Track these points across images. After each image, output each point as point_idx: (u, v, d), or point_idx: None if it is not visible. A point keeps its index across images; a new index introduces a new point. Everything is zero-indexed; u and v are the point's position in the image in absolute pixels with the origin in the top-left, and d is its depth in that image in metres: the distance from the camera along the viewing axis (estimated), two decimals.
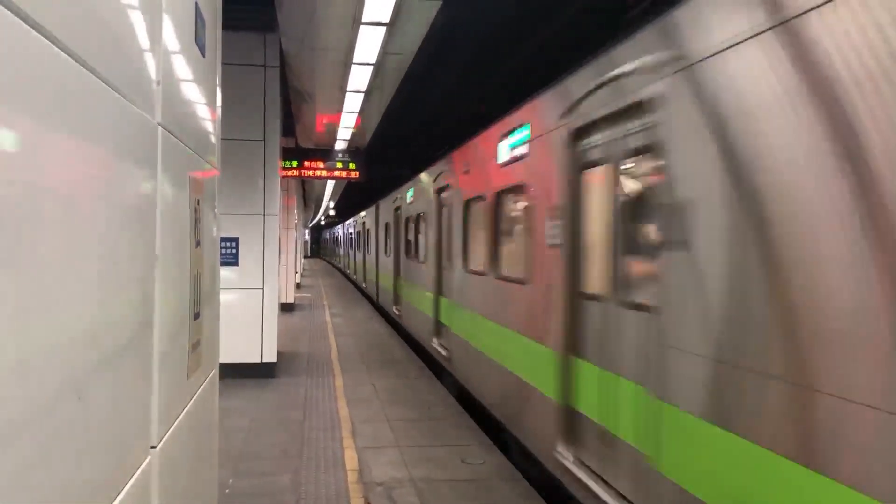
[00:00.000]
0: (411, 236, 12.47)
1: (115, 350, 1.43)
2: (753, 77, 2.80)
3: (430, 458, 5.96)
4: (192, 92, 2.26)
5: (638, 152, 3.94)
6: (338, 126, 13.08)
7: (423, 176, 11.03)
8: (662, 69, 3.53)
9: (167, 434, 1.86)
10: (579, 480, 4.43)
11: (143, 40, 1.63)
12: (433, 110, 15.86)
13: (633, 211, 4.04)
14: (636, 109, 3.86)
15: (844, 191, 2.35)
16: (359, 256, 24.95)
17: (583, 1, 8.81)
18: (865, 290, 2.28)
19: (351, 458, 5.90)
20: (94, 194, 1.29)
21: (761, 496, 2.72)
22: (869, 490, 2.26)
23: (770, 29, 2.71)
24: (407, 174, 13.33)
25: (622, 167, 4.18)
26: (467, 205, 7.96)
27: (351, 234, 29.30)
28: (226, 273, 8.47)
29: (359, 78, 9.32)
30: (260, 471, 5.57)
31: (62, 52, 1.11)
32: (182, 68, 2.10)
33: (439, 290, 9.82)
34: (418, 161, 14.10)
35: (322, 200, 38.03)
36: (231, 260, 8.76)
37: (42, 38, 1.03)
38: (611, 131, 4.27)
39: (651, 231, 3.73)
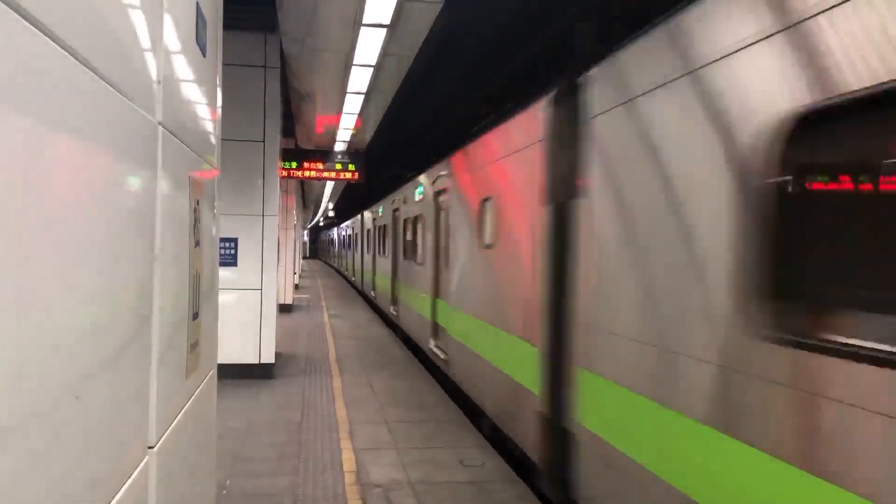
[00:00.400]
0: (381, 239, 17.29)
1: (114, 350, 1.43)
2: (444, 198, 9.01)
3: (429, 460, 5.95)
4: (192, 91, 2.26)
5: (447, 209, 8.88)
6: (337, 127, 13.08)
7: (387, 199, 16.18)
8: (448, 177, 8.69)
9: (165, 434, 1.85)
10: (435, 353, 9.55)
11: (144, 39, 1.63)
12: (433, 113, 15.86)
13: (448, 231, 8.73)
14: (444, 191, 9.05)
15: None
16: (348, 254, 31.55)
17: (583, 5, 8.82)
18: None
19: (349, 460, 5.89)
20: (93, 193, 1.28)
21: (461, 327, 7.85)
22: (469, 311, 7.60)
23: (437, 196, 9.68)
24: (390, 186, 17.30)
25: (446, 213, 8.96)
26: (405, 222, 13.06)
27: (343, 236, 36.76)
28: (224, 273, 8.46)
29: (359, 79, 9.32)
30: (257, 472, 5.55)
31: (63, 51, 1.10)
32: (182, 68, 2.09)
33: (395, 276, 14.61)
34: (415, 165, 14.24)
35: (321, 201, 38.03)
36: (230, 260, 8.75)
37: (43, 36, 1.03)
38: (442, 198, 9.33)
39: (450, 240, 8.64)
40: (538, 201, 5.18)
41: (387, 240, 15.89)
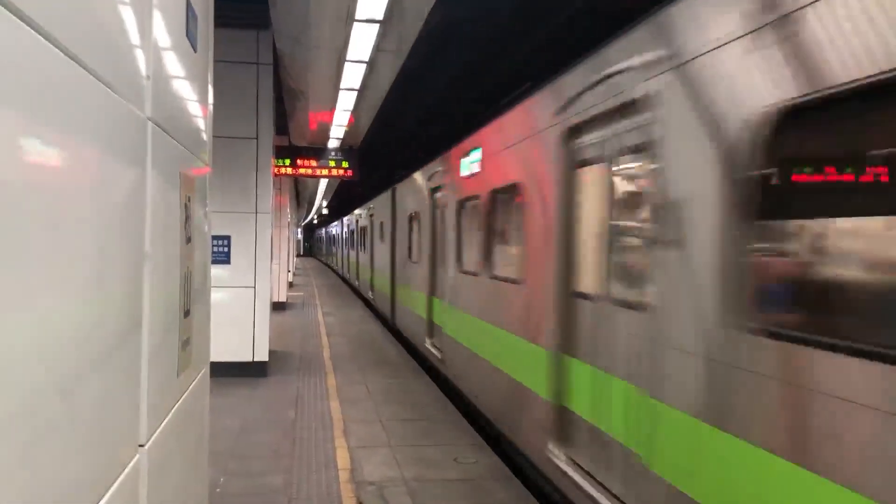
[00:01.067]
0: (355, 238, 25.35)
1: (104, 347, 1.41)
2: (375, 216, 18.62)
3: (423, 458, 5.95)
4: (183, 87, 2.24)
5: (373, 223, 19.07)
6: (331, 124, 13.05)
7: (358, 211, 24.42)
8: (373, 208, 18.84)
9: (156, 432, 1.84)
10: (371, 301, 19.32)
11: (133, 33, 1.61)
12: (426, 109, 15.84)
13: (374, 234, 18.56)
14: (372, 215, 18.90)
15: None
16: (333, 249, 43.69)
17: (579, 2, 8.80)
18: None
19: (343, 458, 5.88)
20: (81, 189, 1.27)
21: (386, 287, 15.68)
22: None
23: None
24: (369, 196, 23.79)
25: (373, 226, 18.72)
26: (360, 229, 22.79)
27: (331, 235, 48.06)
28: (217, 271, 8.43)
29: (352, 75, 9.29)
30: (251, 470, 5.54)
31: (49, 44, 1.09)
32: (173, 63, 2.08)
33: (366, 264, 21.20)
34: (410, 161, 14.33)
35: (315, 199, 37.94)
36: (223, 258, 8.72)
37: (29, 29, 1.01)
38: (371, 217, 19.18)
39: (375, 239, 18.58)
40: (390, 224, 14.41)
41: (354, 239, 25.46)
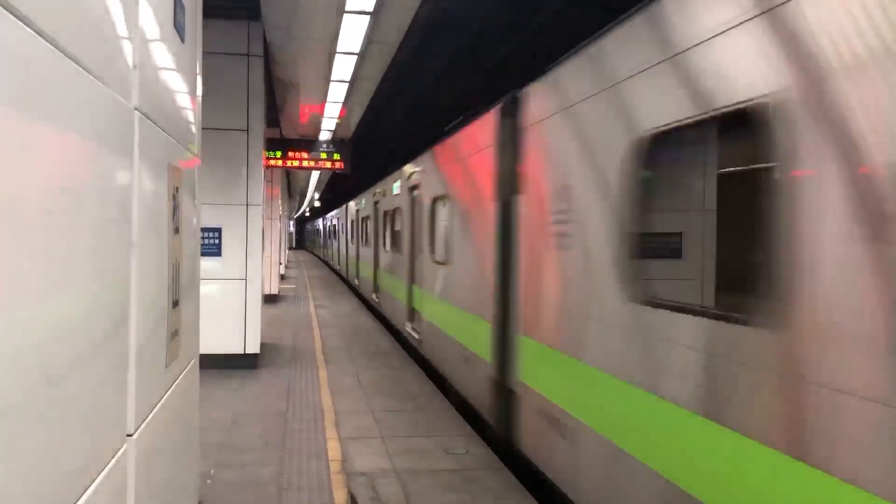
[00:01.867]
0: (332, 231, 32.33)
1: (91, 337, 1.41)
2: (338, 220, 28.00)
3: (414, 449, 5.97)
4: (170, 77, 2.23)
5: (348, 221, 24.15)
6: (322, 116, 13.00)
7: (333, 212, 32.59)
8: (341, 213, 27.30)
9: (144, 422, 1.84)
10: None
11: (119, 22, 1.60)
12: (418, 101, 15.80)
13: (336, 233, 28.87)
14: (336, 218, 30.54)
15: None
16: (318, 240, 51.70)
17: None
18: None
19: (334, 449, 5.90)
20: (67, 179, 1.26)
21: (356, 265, 20.78)
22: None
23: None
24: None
25: (344, 236, 25.70)
26: (330, 227, 34.48)
27: (317, 228, 54.32)
28: (209, 263, 8.40)
29: (343, 67, 9.26)
30: (242, 461, 5.55)
31: (33, 32, 1.08)
32: (160, 52, 2.07)
33: (335, 250, 30.29)
34: (403, 154, 14.26)
35: (307, 192, 37.85)
36: (214, 250, 8.69)
37: (12, 17, 1.01)
38: (337, 218, 29.69)
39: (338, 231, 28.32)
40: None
41: (333, 233, 31.65)
